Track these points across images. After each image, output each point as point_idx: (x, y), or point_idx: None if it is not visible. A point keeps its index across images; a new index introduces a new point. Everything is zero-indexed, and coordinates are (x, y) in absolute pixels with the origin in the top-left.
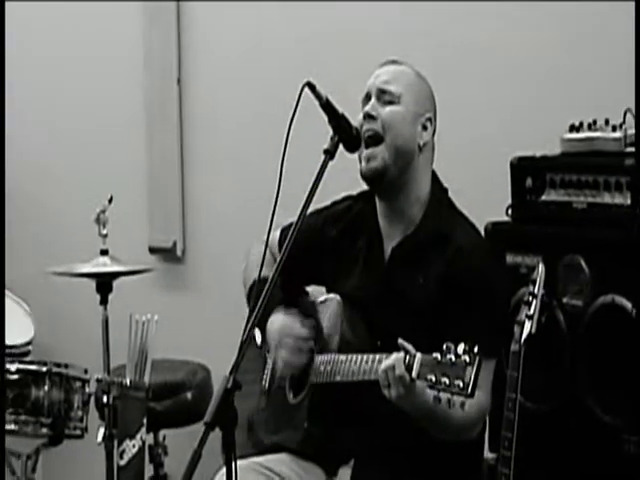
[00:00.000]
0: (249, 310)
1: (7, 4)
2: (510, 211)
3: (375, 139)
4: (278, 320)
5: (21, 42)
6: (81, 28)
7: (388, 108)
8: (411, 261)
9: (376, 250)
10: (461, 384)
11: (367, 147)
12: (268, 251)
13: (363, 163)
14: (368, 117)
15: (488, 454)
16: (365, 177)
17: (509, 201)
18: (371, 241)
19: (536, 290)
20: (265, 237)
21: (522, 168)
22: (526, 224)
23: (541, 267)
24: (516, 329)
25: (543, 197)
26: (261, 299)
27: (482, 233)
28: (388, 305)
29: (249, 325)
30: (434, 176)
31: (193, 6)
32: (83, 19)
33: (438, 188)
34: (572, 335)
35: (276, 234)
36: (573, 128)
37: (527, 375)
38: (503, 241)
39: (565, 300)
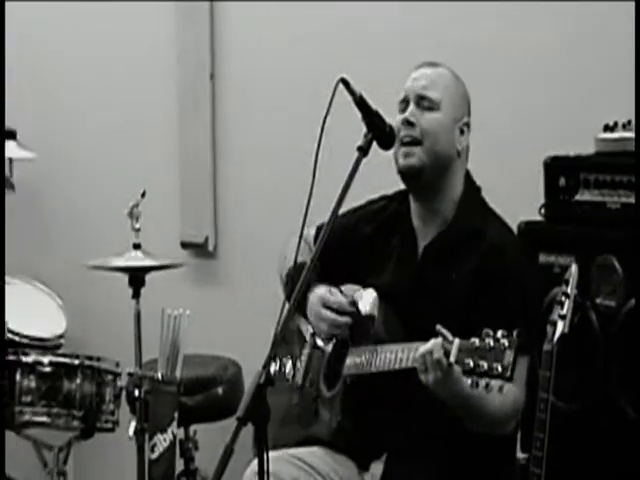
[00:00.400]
0: (285, 296)
1: (51, 4)
2: (543, 211)
3: (414, 143)
4: (319, 291)
5: (56, 41)
6: (116, 26)
7: (427, 115)
8: (444, 258)
9: (409, 248)
10: (500, 367)
11: (404, 146)
12: (305, 243)
13: (400, 160)
14: (407, 123)
15: (520, 454)
16: (402, 172)
17: (542, 201)
18: (405, 240)
19: (569, 290)
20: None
21: (556, 168)
22: (559, 224)
23: (574, 267)
24: (549, 329)
25: (577, 197)
26: (298, 284)
27: (515, 232)
28: (421, 301)
29: (285, 313)
30: (467, 174)
31: (226, 2)
32: (118, 18)
33: (471, 186)
34: (605, 335)
35: (311, 231)
36: (607, 128)
37: (559, 375)
38: (536, 241)
39: (598, 300)
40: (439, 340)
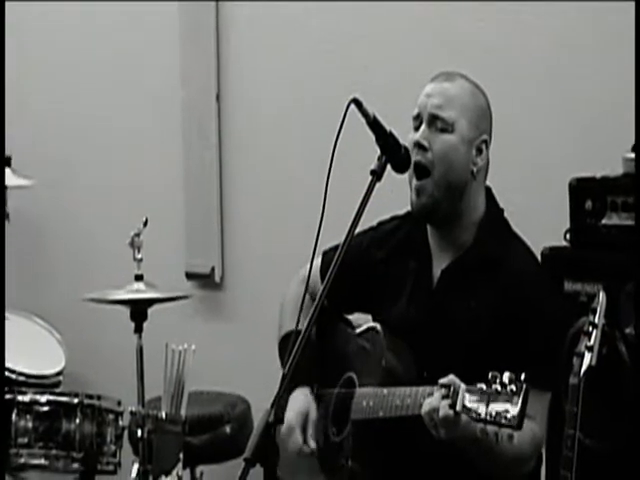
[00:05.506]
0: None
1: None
2: (569, 236)
3: (423, 172)
4: (290, 414)
5: (58, 66)
6: (120, 49)
7: (441, 138)
8: (461, 285)
9: (425, 274)
10: (508, 415)
11: (417, 178)
12: (307, 290)
13: (413, 195)
14: (419, 147)
15: None
16: (415, 212)
17: (568, 225)
18: (420, 263)
19: (597, 320)
20: (303, 271)
21: (582, 190)
22: (586, 249)
23: (602, 295)
24: (575, 361)
25: (604, 220)
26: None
27: (538, 258)
28: (436, 332)
29: (288, 365)
30: (489, 194)
31: (232, 22)
32: (122, 41)
33: (493, 208)
34: (635, 368)
35: (318, 261)
36: (636, 147)
37: (587, 411)
38: (561, 267)
39: (628, 330)
40: (442, 392)
